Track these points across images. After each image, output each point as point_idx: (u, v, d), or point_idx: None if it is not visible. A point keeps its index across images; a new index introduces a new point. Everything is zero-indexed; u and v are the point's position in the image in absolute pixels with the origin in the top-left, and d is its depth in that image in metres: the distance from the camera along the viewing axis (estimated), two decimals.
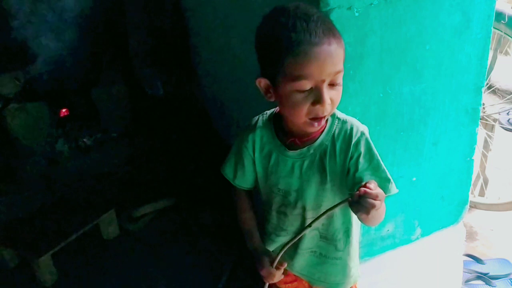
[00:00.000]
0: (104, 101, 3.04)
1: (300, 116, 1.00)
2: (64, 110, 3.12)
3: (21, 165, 2.81)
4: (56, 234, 2.13)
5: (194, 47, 2.91)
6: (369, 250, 1.58)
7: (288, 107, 1.00)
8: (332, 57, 0.94)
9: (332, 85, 0.97)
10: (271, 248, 1.22)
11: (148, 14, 3.10)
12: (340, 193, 1.10)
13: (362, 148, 1.05)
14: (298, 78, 0.95)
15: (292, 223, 1.17)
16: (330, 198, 1.09)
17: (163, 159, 2.81)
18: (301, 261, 1.22)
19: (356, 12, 1.19)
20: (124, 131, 3.08)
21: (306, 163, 1.08)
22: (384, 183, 1.06)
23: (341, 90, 1.01)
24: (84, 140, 2.99)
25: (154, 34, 3.12)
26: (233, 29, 2.01)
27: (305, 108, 0.98)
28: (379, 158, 1.07)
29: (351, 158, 1.05)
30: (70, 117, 3.13)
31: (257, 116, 1.17)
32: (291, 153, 1.09)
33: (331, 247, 1.18)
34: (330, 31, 0.96)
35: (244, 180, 1.19)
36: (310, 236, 1.17)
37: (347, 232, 1.17)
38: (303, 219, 1.14)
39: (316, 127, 1.02)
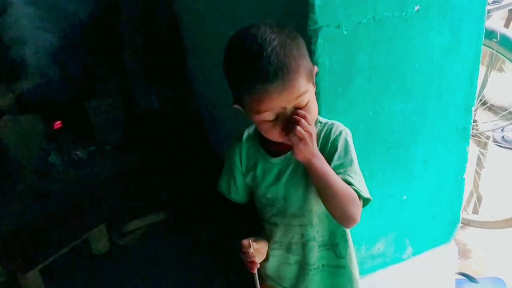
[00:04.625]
0: (98, 114, 3.04)
1: (277, 139, 1.02)
2: (57, 122, 3.12)
3: (13, 177, 2.80)
4: (45, 248, 2.11)
5: (189, 61, 2.92)
6: (359, 269, 1.55)
7: (263, 132, 1.03)
8: (288, 89, 0.94)
9: (298, 108, 0.98)
10: (268, 263, 1.20)
11: (144, 28, 3.12)
12: None
13: (339, 146, 1.05)
14: (259, 112, 0.97)
15: (284, 234, 1.15)
16: (319, 202, 1.07)
17: (156, 173, 2.79)
18: (315, 283, 1.19)
19: (345, 30, 1.19)
20: (118, 145, 3.07)
21: (291, 168, 1.08)
22: (351, 186, 1.03)
23: (313, 103, 1.01)
24: (77, 153, 2.98)
25: (149, 49, 3.13)
26: None
27: (277, 132, 1.00)
28: (354, 160, 1.06)
29: (327, 155, 1.05)
30: (63, 129, 3.13)
31: (245, 130, 1.17)
32: (276, 160, 1.10)
33: (332, 253, 1.16)
34: (284, 64, 0.93)
35: (237, 194, 1.19)
36: (309, 250, 1.15)
37: (345, 236, 1.16)
38: (294, 228, 1.13)
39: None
